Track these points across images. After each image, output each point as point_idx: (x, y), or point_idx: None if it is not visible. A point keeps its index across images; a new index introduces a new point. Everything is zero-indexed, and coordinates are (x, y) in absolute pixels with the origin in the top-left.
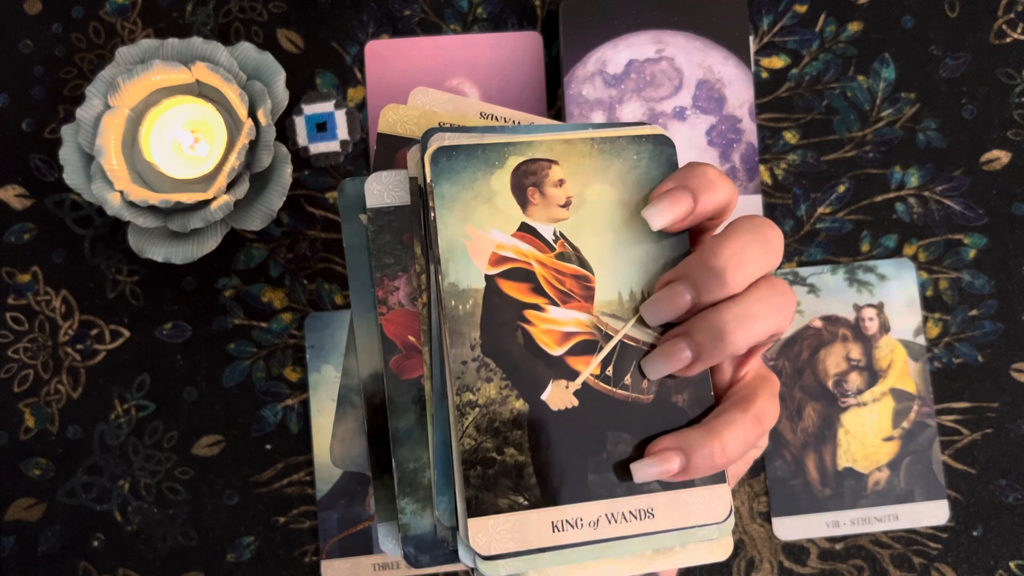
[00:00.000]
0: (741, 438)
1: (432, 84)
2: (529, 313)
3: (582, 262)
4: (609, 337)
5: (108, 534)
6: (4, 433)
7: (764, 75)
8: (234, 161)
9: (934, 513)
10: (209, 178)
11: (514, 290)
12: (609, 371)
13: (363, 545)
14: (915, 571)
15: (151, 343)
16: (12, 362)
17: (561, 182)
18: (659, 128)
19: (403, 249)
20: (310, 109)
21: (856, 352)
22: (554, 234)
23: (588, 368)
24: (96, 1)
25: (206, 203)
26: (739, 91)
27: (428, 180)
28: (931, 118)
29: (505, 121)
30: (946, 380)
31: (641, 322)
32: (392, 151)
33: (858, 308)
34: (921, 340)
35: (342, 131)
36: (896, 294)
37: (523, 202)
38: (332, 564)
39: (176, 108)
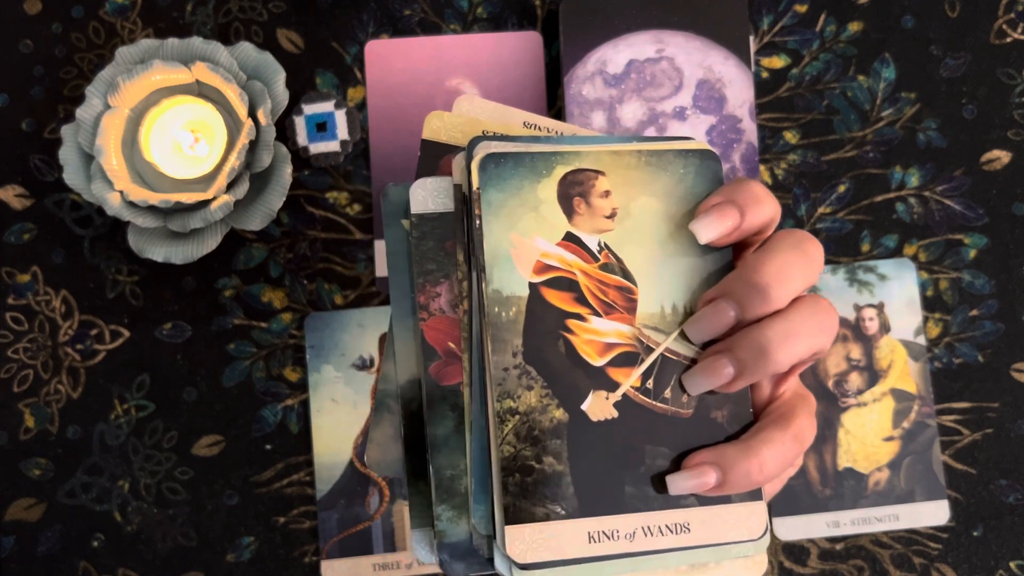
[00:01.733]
0: (780, 456)
1: (432, 84)
2: (571, 323)
3: (625, 274)
4: (650, 350)
5: (108, 534)
6: (4, 433)
7: (764, 75)
8: (234, 161)
9: (934, 513)
10: (209, 178)
11: (557, 299)
12: (649, 384)
13: (363, 545)
14: (915, 571)
15: (151, 343)
16: (12, 362)
17: (607, 193)
18: (705, 144)
19: (445, 256)
20: (310, 109)
21: (856, 352)
22: (599, 245)
23: (628, 380)
24: (96, 1)
25: (206, 203)
26: (739, 91)
27: (475, 187)
28: (931, 118)
29: (548, 131)
30: (946, 380)
31: (683, 336)
32: (435, 158)
33: (858, 308)
34: (921, 340)
35: (342, 131)
36: (896, 294)
37: (569, 211)
38: (332, 564)
39: (176, 108)
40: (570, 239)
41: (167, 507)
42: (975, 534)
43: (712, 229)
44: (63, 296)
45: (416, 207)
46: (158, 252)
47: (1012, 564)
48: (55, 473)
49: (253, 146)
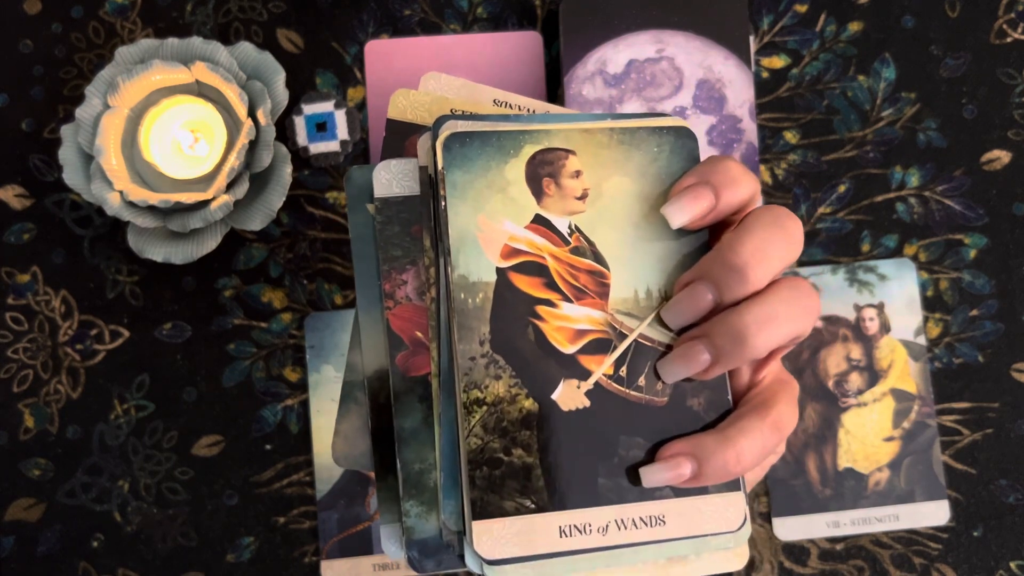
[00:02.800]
0: (758, 446)
1: None
2: (541, 309)
3: (597, 257)
4: (623, 336)
5: (108, 534)
6: (4, 433)
7: (764, 75)
8: (234, 161)
9: (934, 513)
10: (209, 178)
11: (526, 284)
12: (623, 371)
13: (363, 545)
14: (915, 571)
15: (151, 343)
16: (12, 362)
17: (578, 173)
18: (681, 120)
19: (412, 241)
20: (310, 109)
21: (856, 352)
22: (569, 227)
23: (601, 368)
24: (96, 1)
25: (206, 203)
26: (739, 91)
27: (440, 167)
28: (931, 118)
29: (519, 109)
30: (946, 380)
31: (657, 321)
32: (402, 138)
33: (858, 308)
34: (921, 340)
35: (342, 131)
36: (896, 294)
37: (538, 193)
38: (332, 564)
39: (176, 108)
40: (539, 222)
41: (167, 507)
42: (975, 534)
43: (685, 213)
44: (63, 296)
45: (380, 190)
46: (158, 252)
47: (1012, 564)
48: (55, 473)
49: (253, 146)
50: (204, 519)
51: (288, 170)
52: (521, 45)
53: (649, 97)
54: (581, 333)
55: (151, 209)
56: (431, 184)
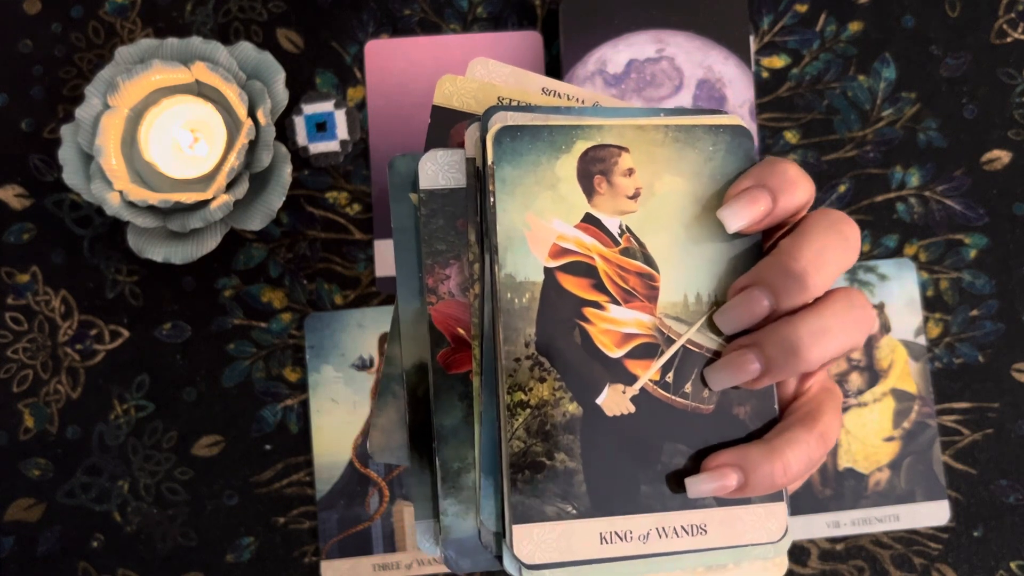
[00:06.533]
0: (804, 457)
1: (432, 83)
2: (588, 311)
3: (647, 259)
4: (671, 341)
5: (107, 534)
6: (4, 433)
7: (764, 75)
8: (233, 161)
9: (935, 513)
10: (208, 178)
11: (574, 285)
12: (669, 377)
13: (363, 545)
14: (916, 571)
15: (151, 343)
16: (11, 362)
17: (630, 171)
18: (738, 118)
19: (456, 235)
20: (310, 109)
21: (857, 352)
22: (620, 227)
23: (647, 373)
24: (96, 1)
25: (206, 203)
26: (739, 91)
27: (489, 162)
28: (932, 118)
29: (569, 98)
30: (947, 380)
31: (706, 327)
32: (447, 125)
33: None
34: (922, 340)
35: (342, 131)
36: (897, 294)
37: (589, 191)
38: (332, 564)
39: (175, 108)
40: (590, 221)
41: (167, 507)
42: (975, 534)
43: (741, 217)
44: (63, 296)
45: (425, 182)
46: (158, 252)
47: (1012, 564)
48: (55, 473)
49: (253, 146)
50: (204, 519)
51: (288, 170)
52: (521, 45)
53: (649, 97)
54: (628, 337)
55: (151, 209)
56: (478, 178)
